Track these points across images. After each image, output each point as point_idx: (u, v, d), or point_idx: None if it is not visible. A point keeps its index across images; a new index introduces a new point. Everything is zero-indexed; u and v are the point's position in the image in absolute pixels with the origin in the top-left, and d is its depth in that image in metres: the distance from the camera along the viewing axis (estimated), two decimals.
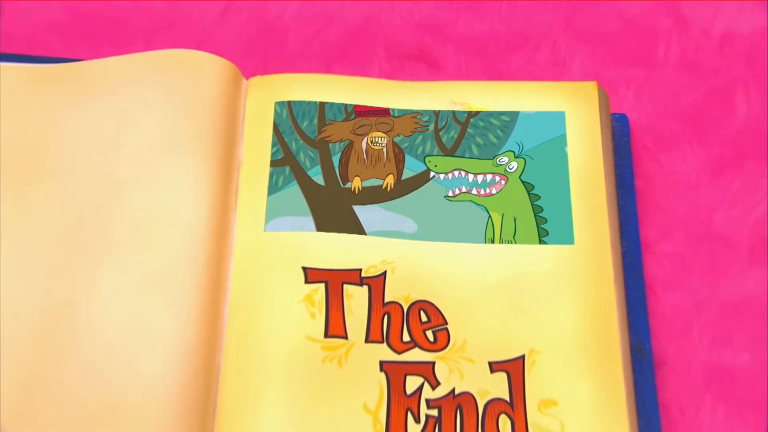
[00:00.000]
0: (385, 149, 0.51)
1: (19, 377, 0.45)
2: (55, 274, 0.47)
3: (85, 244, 0.48)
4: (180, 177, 0.50)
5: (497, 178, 0.50)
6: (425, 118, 0.53)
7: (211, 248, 0.49)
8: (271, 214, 0.48)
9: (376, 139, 0.52)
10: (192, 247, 0.48)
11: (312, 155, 0.51)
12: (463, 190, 0.50)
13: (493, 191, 0.49)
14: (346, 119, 0.52)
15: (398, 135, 0.52)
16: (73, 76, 0.52)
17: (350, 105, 0.52)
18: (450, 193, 0.49)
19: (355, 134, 0.52)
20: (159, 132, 0.51)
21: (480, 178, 0.50)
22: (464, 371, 0.45)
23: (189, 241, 0.48)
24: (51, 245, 0.48)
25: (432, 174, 0.50)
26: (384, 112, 0.53)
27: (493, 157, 0.51)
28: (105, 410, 0.44)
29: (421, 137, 0.51)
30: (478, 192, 0.50)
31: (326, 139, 0.51)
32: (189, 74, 0.52)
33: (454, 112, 0.52)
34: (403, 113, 0.53)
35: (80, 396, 0.44)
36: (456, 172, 0.50)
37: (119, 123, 0.51)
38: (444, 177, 0.50)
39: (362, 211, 0.49)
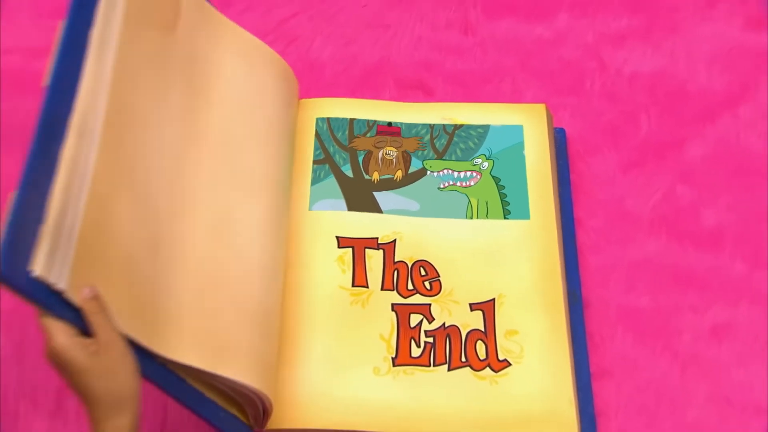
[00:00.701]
0: (395, 159, 0.56)
1: (201, 263, 0.45)
2: (218, 192, 0.47)
3: (235, 175, 0.48)
4: (280, 152, 0.52)
5: (474, 174, 0.57)
6: (424, 135, 0.56)
7: (288, 212, 0.53)
8: (314, 198, 0.55)
9: (389, 152, 0.57)
10: (287, 205, 0.52)
11: (344, 156, 0.57)
12: (450, 183, 0.56)
13: (472, 183, 0.56)
14: (368, 131, 0.57)
15: (405, 150, 0.57)
16: (225, 27, 0.52)
17: (371, 120, 0.58)
18: (441, 185, 0.56)
19: (375, 147, 0.57)
20: (270, 108, 0.53)
21: (462, 174, 0.56)
22: (452, 310, 0.51)
23: (286, 200, 0.52)
24: (214, 166, 0.48)
25: (428, 171, 0.56)
26: (396, 132, 0.57)
27: (471, 159, 0.56)
28: (260, 311, 0.47)
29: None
30: (461, 184, 0.56)
31: (354, 147, 0.57)
32: (284, 78, 0.56)
33: (444, 125, 0.58)
34: (410, 135, 0.56)
35: (241, 294, 0.46)
36: (445, 171, 0.56)
37: (254, 85, 0.52)
38: (437, 174, 0.56)
39: (379, 196, 0.56)
